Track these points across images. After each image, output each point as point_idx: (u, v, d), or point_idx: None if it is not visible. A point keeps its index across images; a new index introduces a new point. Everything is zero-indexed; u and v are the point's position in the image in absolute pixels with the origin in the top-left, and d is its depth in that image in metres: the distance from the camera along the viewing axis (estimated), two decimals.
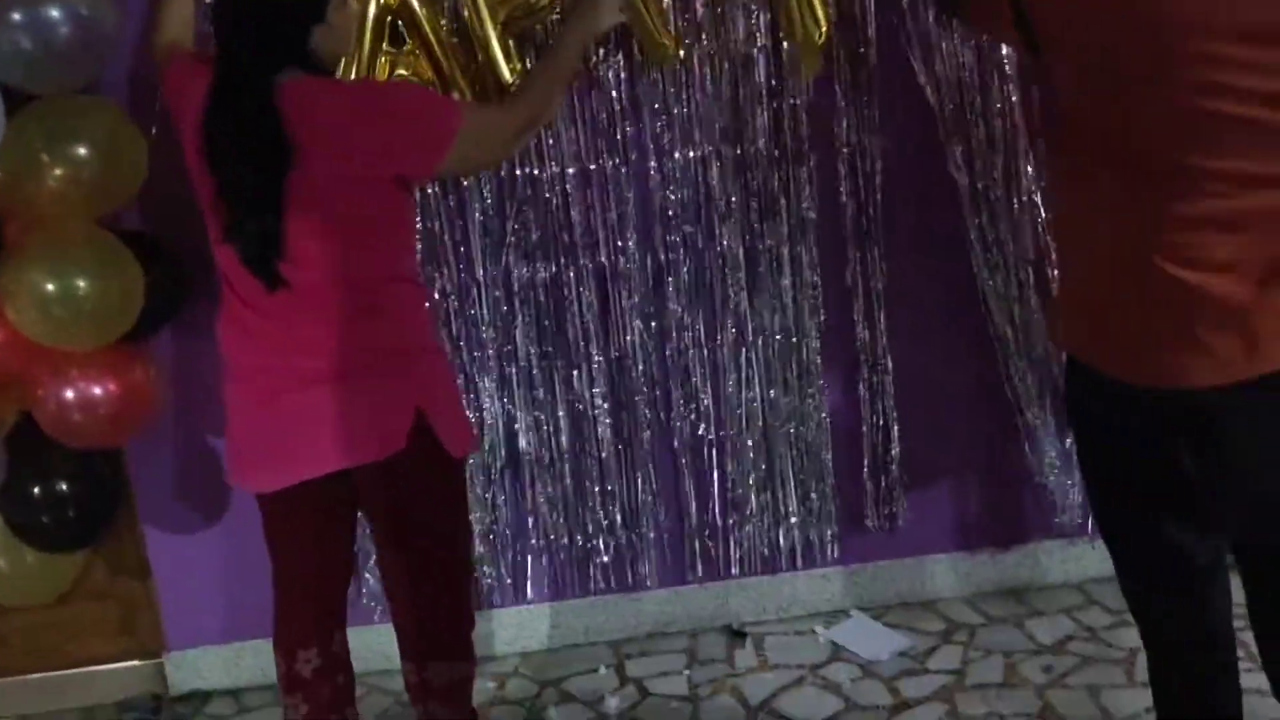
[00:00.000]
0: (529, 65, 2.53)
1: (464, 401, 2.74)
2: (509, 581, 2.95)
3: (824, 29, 2.52)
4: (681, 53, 2.58)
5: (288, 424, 2.11)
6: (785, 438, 2.91)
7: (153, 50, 2.35)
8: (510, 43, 2.50)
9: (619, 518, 2.92)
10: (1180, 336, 1.74)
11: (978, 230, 2.79)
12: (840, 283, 2.85)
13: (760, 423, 2.90)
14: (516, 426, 2.86)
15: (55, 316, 2.34)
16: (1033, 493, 3.00)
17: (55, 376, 2.46)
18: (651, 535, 2.94)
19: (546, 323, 2.80)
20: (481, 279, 2.76)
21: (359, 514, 2.30)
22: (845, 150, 2.77)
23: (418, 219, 2.68)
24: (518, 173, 2.71)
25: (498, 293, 2.78)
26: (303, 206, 2.01)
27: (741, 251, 2.80)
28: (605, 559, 2.95)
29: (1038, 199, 2.77)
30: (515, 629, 3.00)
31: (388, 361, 2.10)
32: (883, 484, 2.97)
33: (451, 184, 2.68)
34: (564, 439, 2.86)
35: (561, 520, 2.92)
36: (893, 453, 2.94)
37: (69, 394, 2.46)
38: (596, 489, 2.90)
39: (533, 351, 2.82)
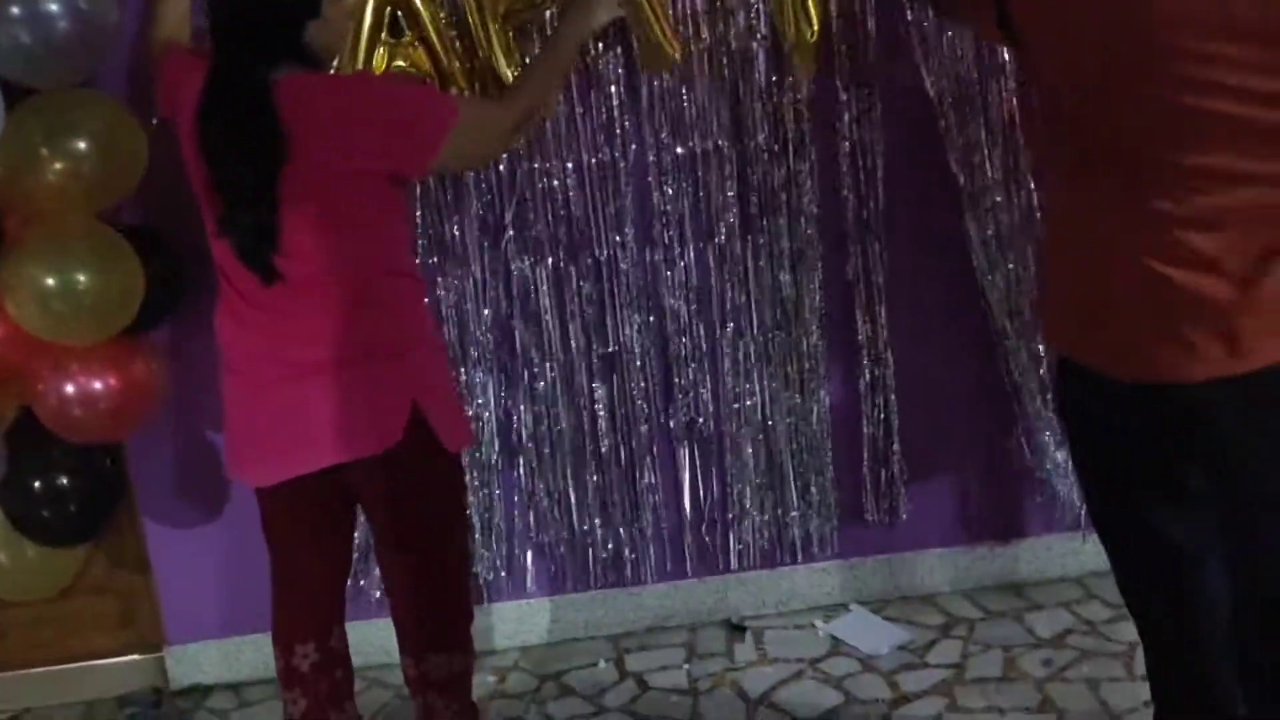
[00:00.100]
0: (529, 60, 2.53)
1: (462, 396, 2.75)
2: (509, 576, 2.96)
3: (815, 28, 2.52)
4: (679, 56, 2.57)
5: (284, 417, 2.12)
6: (785, 432, 2.91)
7: (149, 45, 2.35)
8: (510, 36, 2.50)
9: (618, 512, 2.93)
10: (1166, 333, 1.75)
11: (979, 225, 2.78)
12: (841, 277, 2.85)
13: (760, 417, 2.90)
14: (515, 421, 2.87)
15: (55, 311, 2.35)
16: (1032, 487, 3.00)
17: (55, 371, 2.46)
18: (651, 529, 2.95)
19: (546, 317, 2.80)
20: (480, 273, 2.76)
21: (357, 508, 2.31)
22: (846, 145, 2.76)
23: (416, 213, 2.69)
24: (517, 167, 2.72)
25: (496, 287, 2.78)
26: (298, 200, 2.01)
27: (741, 246, 2.80)
28: (605, 553, 2.96)
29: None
30: (515, 623, 3.00)
31: (384, 355, 2.11)
32: (882, 478, 2.97)
33: (450, 177, 2.68)
34: (563, 433, 2.87)
35: (561, 515, 2.92)
36: (893, 447, 2.94)
37: (69, 388, 2.46)
38: (596, 483, 2.90)
39: (531, 346, 2.82)
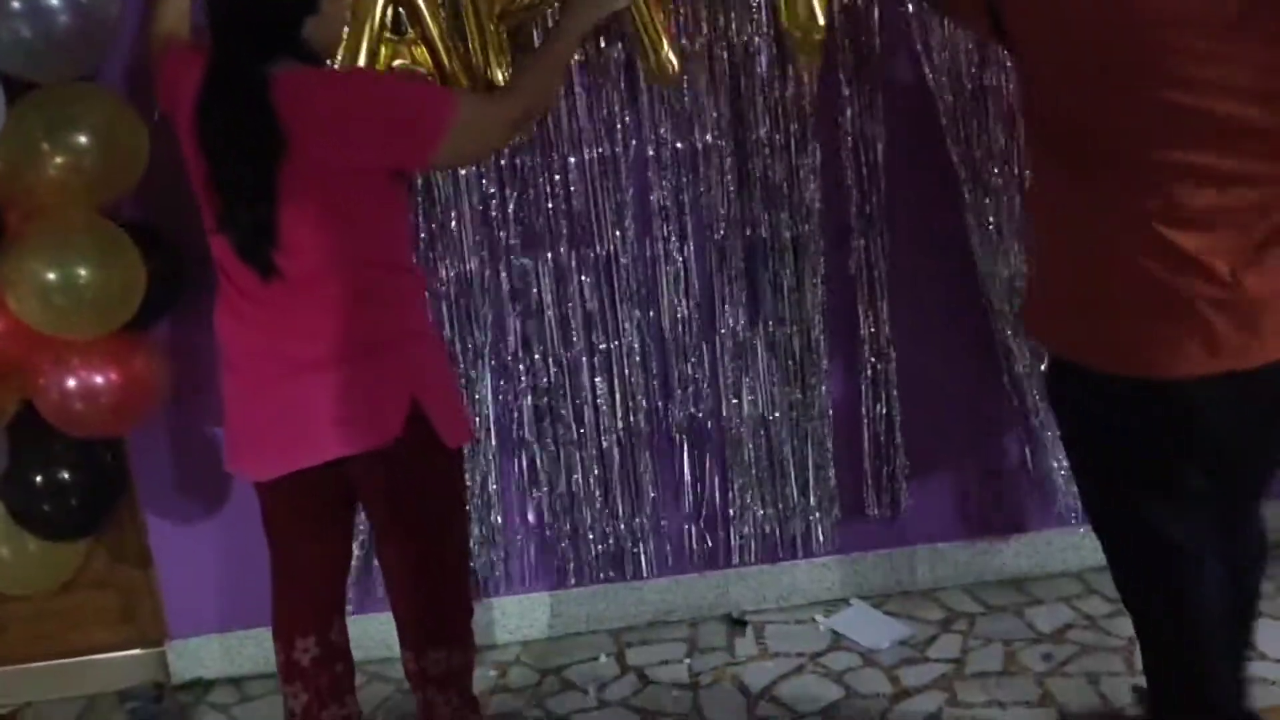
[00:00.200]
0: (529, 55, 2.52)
1: (462, 391, 2.75)
2: (510, 570, 2.96)
3: (821, 24, 2.52)
4: (680, 69, 2.55)
5: (283, 412, 2.11)
6: (787, 426, 2.91)
7: (150, 41, 2.35)
8: (504, 36, 2.50)
9: (619, 506, 2.93)
10: (1156, 331, 1.77)
11: (981, 220, 2.78)
12: (843, 271, 2.85)
13: (761, 411, 2.90)
14: (516, 415, 2.87)
15: (56, 305, 2.35)
16: (1032, 482, 3.01)
17: (57, 365, 2.46)
18: (652, 524, 2.95)
19: (547, 312, 2.80)
20: (480, 268, 2.76)
21: (358, 503, 2.31)
22: (848, 139, 2.76)
23: (417, 208, 2.69)
24: (517, 161, 2.71)
25: (496, 281, 2.78)
26: (296, 196, 2.01)
27: (742, 240, 2.80)
28: (606, 548, 2.96)
29: None
30: (516, 617, 3.01)
31: (383, 350, 2.10)
32: (883, 473, 2.97)
33: (450, 172, 2.68)
34: (564, 427, 2.87)
35: (562, 509, 2.92)
36: (894, 442, 2.94)
37: (70, 383, 2.46)
38: (597, 478, 2.90)
39: (533, 340, 2.82)
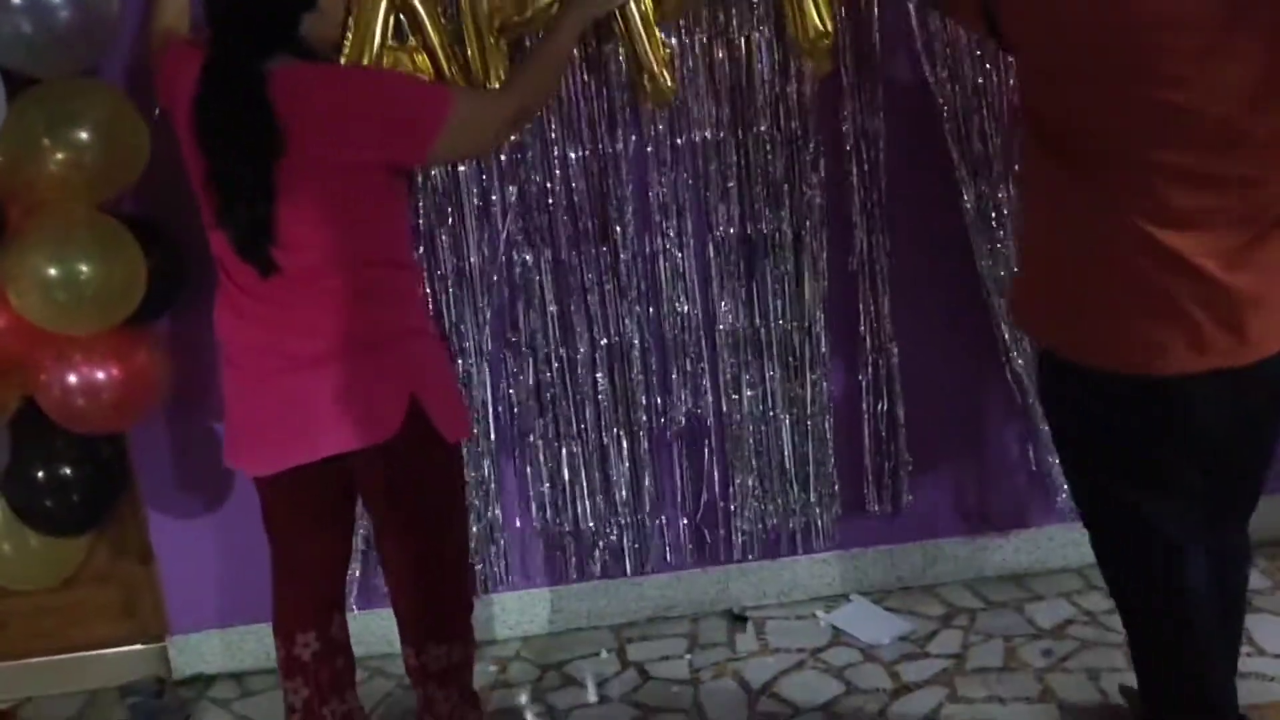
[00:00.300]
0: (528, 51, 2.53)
1: (460, 386, 2.75)
2: (511, 566, 2.96)
3: (829, 29, 2.52)
4: (673, 87, 2.57)
5: (283, 408, 2.12)
6: (787, 422, 2.91)
7: (149, 37, 2.35)
8: (503, 48, 2.51)
9: (620, 502, 2.93)
10: (1146, 328, 1.78)
11: (982, 216, 2.78)
12: (844, 267, 2.85)
13: (762, 407, 2.90)
14: (516, 411, 2.87)
15: (57, 301, 2.35)
16: (1032, 478, 3.01)
17: (58, 361, 2.46)
18: (652, 519, 2.95)
19: (549, 307, 2.80)
20: (479, 263, 2.76)
21: (358, 498, 2.31)
22: (850, 135, 2.76)
23: (417, 203, 2.69)
24: (517, 156, 2.71)
25: (495, 277, 2.78)
26: (294, 192, 2.01)
27: (743, 236, 2.80)
28: (606, 543, 2.96)
29: None
30: (517, 613, 3.01)
31: (382, 346, 2.11)
32: (884, 469, 2.97)
33: (449, 167, 2.68)
34: (565, 423, 2.87)
35: (563, 505, 2.92)
36: (895, 437, 2.94)
37: (72, 379, 2.46)
38: (597, 473, 2.91)
39: (532, 336, 2.82)
